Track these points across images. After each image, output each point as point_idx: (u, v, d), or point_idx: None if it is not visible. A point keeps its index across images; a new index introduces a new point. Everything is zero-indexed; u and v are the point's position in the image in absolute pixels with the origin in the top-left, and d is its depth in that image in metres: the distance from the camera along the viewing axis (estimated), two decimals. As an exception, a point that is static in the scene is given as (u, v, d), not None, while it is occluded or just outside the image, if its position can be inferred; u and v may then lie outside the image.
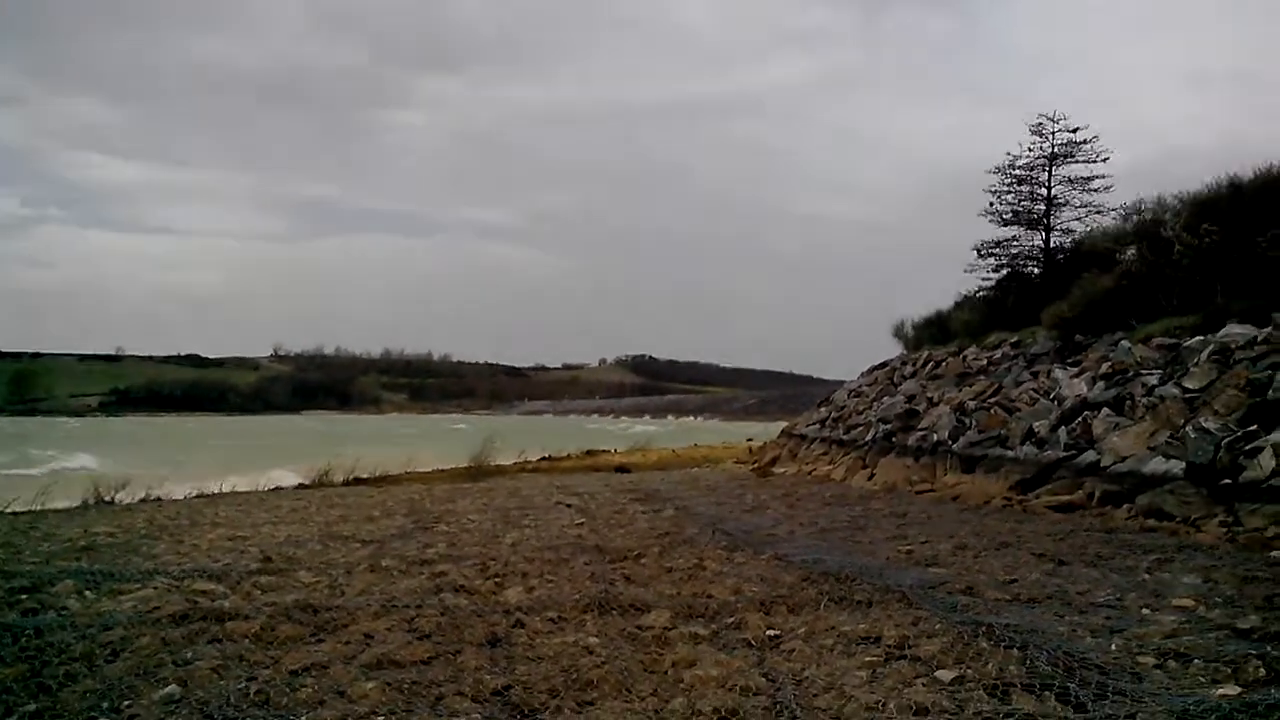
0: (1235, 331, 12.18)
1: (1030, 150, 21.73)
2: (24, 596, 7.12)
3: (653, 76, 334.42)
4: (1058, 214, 21.75)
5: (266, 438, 60.62)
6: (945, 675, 4.68)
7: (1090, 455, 12.17)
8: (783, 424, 31.76)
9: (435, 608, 6.51)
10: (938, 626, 5.66)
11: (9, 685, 4.84)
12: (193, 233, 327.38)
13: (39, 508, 15.05)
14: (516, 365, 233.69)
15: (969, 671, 4.71)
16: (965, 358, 19.90)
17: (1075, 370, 14.84)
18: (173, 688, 4.72)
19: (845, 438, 21.07)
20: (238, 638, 5.70)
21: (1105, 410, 12.78)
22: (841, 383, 30.11)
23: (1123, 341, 14.21)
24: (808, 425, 25.91)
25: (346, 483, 21.06)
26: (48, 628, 5.99)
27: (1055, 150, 21.52)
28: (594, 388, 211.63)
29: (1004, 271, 22.54)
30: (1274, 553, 7.95)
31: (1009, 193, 22.12)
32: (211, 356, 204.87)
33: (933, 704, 4.26)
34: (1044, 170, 21.73)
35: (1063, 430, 13.18)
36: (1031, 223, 22.01)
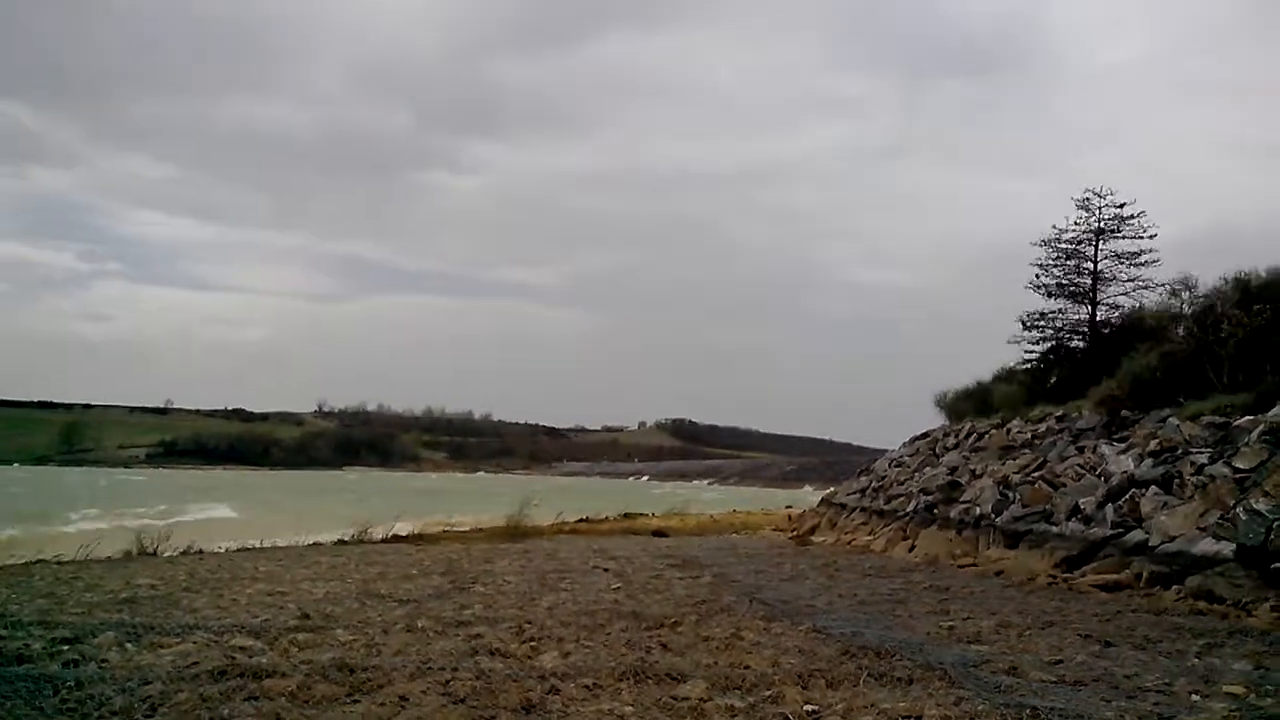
0: (1287, 411, 11.96)
1: (1076, 224, 21.69)
2: (65, 647, 7.21)
3: (690, 139, 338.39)
4: (1104, 288, 21.62)
5: (350, 492, 63.38)
6: (988, 758, 4.59)
7: (1138, 534, 11.93)
8: (822, 491, 31.48)
9: (471, 671, 6.49)
10: (980, 708, 5.55)
11: (49, 737, 4.89)
12: (241, 289, 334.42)
13: (83, 558, 15.22)
14: (556, 426, 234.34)
15: (1012, 755, 4.60)
16: (1009, 430, 19.66)
17: (1122, 446, 14.61)
18: (209, 744, 4.75)
19: (886, 508, 20.82)
20: (274, 695, 5.71)
21: (1153, 488, 12.55)
22: (881, 451, 29.84)
23: (1171, 419, 13.99)
24: (848, 494, 25.66)
25: (385, 540, 21.10)
26: (88, 680, 6.06)
27: (1102, 225, 21.46)
28: (633, 450, 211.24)
29: (1049, 344, 22.37)
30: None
31: (1055, 265, 22.04)
32: (257, 411, 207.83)
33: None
34: (1090, 244, 21.65)
35: (1109, 508, 12.94)
36: (1077, 296, 21.87)
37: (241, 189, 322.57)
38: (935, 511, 17.92)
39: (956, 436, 22.39)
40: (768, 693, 6.02)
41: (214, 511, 39.31)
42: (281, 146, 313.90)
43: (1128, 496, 12.87)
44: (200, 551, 17.41)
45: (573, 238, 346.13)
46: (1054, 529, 13.73)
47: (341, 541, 20.55)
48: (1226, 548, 10.24)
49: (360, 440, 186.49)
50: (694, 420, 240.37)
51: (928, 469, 21.20)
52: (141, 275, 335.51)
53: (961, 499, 17.50)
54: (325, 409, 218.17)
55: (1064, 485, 14.78)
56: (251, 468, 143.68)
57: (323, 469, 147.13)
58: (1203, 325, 15.63)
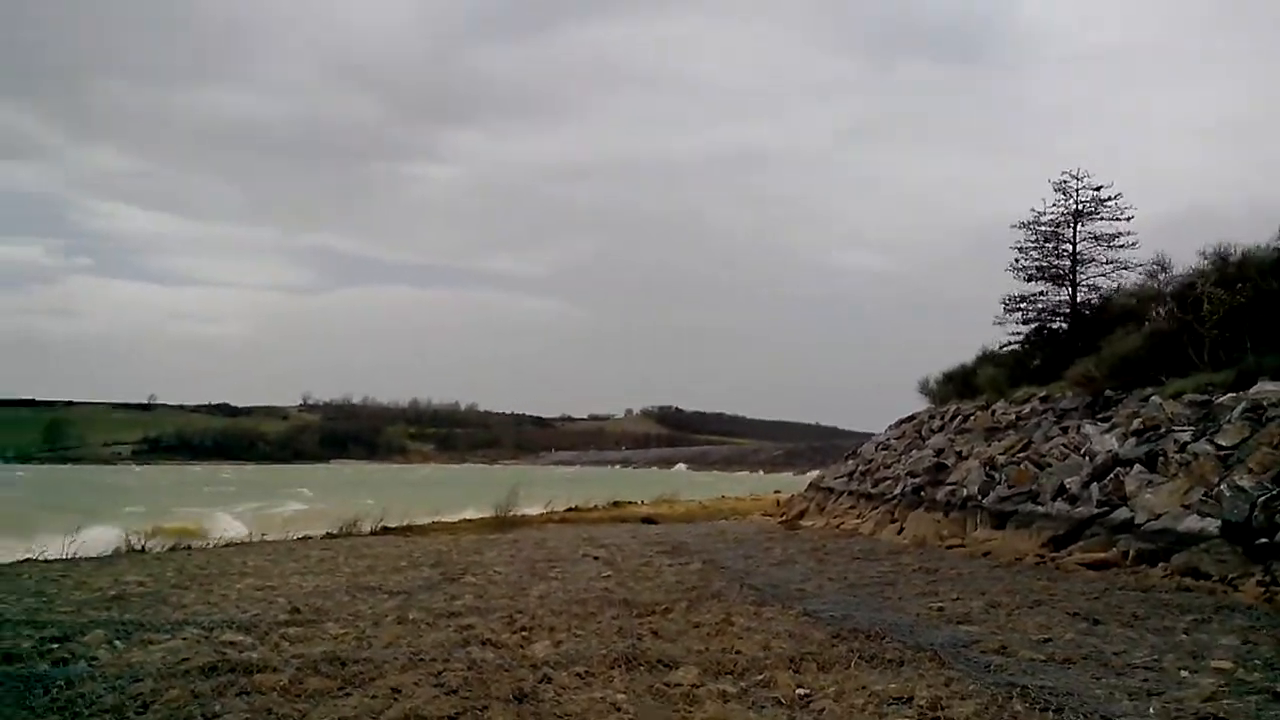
0: (1268, 389, 12.04)
1: (1054, 207, 21.76)
2: (55, 646, 7.18)
3: (668, 126, 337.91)
4: (1083, 270, 21.71)
5: (371, 484, 64.91)
6: (979, 738, 4.62)
7: (1124, 512, 12.02)
8: (809, 475, 31.52)
9: (462, 661, 6.50)
10: (971, 687, 5.59)
11: (41, 736, 4.87)
12: (219, 283, 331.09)
13: (70, 556, 15.14)
14: (543, 416, 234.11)
15: (1003, 734, 4.64)
16: (994, 412, 19.75)
17: (1106, 426, 14.70)
18: (202, 740, 4.74)
19: (873, 491, 20.91)
20: (266, 690, 5.71)
21: (1138, 467, 12.64)
22: (868, 435, 29.91)
23: (1154, 397, 14.08)
24: (835, 478, 25.74)
25: (374, 532, 21.07)
26: (78, 678, 6.04)
27: (1080, 207, 21.54)
28: (620, 438, 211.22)
29: (1032, 326, 22.48)
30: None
31: (1034, 249, 22.13)
32: (241, 405, 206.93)
33: (967, 767, 4.20)
34: (1069, 226, 21.73)
35: (1095, 487, 13.03)
36: (1057, 279, 21.98)
37: (214, 181, 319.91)
38: (922, 494, 18.01)
39: (942, 419, 22.48)
40: (759, 677, 6.05)
41: (298, 504, 39.93)
42: (254, 138, 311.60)
43: (1112, 475, 12.95)
44: (189, 548, 17.34)
45: (554, 226, 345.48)
46: (1040, 509, 13.82)
47: (330, 535, 20.51)
48: (1212, 524, 10.33)
49: (346, 433, 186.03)
50: (680, 407, 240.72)
51: (914, 451, 21.29)
52: (113, 270, 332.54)
53: (948, 481, 17.59)
54: (310, 402, 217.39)
55: (1049, 465, 14.87)
56: (238, 463, 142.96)
57: (310, 463, 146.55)
58: (1183, 304, 15.72)
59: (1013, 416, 18.66)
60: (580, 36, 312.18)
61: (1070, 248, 21.76)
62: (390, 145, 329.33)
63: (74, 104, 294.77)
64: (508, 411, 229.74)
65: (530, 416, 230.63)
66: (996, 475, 15.97)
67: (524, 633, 7.70)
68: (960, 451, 18.79)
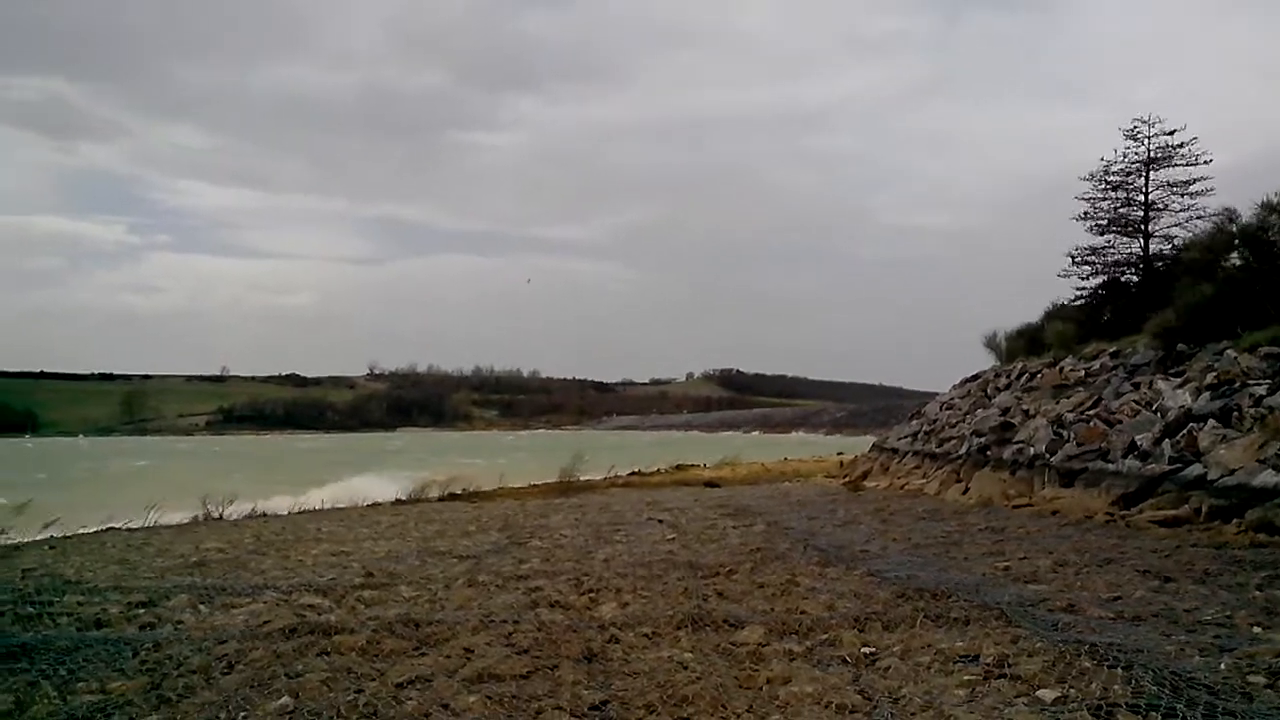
0: (1350, 338, 11.70)
1: (1125, 155, 21.17)
2: (141, 610, 7.47)
3: (726, 86, 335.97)
4: (1157, 220, 21.14)
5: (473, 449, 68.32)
6: (1047, 695, 4.61)
7: (1196, 468, 11.79)
8: (872, 437, 31.33)
9: (532, 623, 6.63)
10: (1038, 645, 5.57)
11: (131, 698, 5.09)
12: (289, 256, 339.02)
13: (150, 525, 15.67)
14: (604, 381, 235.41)
15: (1071, 691, 4.63)
16: (1062, 369, 19.42)
17: (1179, 381, 14.39)
18: (286, 699, 4.92)
19: (938, 451, 20.73)
20: (345, 651, 5.89)
21: (1211, 422, 12.37)
22: (932, 395, 29.62)
23: (1228, 351, 13.74)
24: (899, 438, 25.55)
25: (442, 498, 21.47)
26: (165, 641, 6.28)
27: (1152, 154, 20.93)
28: (682, 402, 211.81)
29: (1101, 279, 21.97)
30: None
31: (1104, 199, 21.58)
32: (310, 376, 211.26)
33: (1034, 724, 4.21)
34: (1140, 175, 21.14)
35: (1167, 443, 12.78)
36: (1129, 229, 21.41)
37: (282, 155, 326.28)
38: (988, 453, 17.81)
39: (1008, 377, 22.16)
40: (824, 636, 6.10)
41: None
42: (319, 111, 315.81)
43: (1185, 431, 12.70)
44: (264, 515, 17.84)
45: (613, 191, 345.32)
46: (1110, 466, 13.60)
47: (399, 501, 20.94)
48: (1288, 480, 10.09)
49: (412, 401, 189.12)
50: (741, 370, 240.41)
51: (979, 410, 21.02)
52: (190, 245, 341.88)
53: (1015, 439, 17.36)
54: (376, 371, 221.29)
55: (1119, 422, 14.61)
56: (308, 432, 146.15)
57: (378, 430, 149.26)
58: (1256, 252, 15.25)
59: (1082, 373, 18.33)
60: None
61: (1143, 197, 21.18)
62: (451, 114, 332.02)
63: (150, 85, 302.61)
64: (570, 377, 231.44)
65: (592, 382, 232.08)
66: (1065, 433, 15.73)
67: (591, 594, 7.82)
68: (1027, 410, 18.53)
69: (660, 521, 14.37)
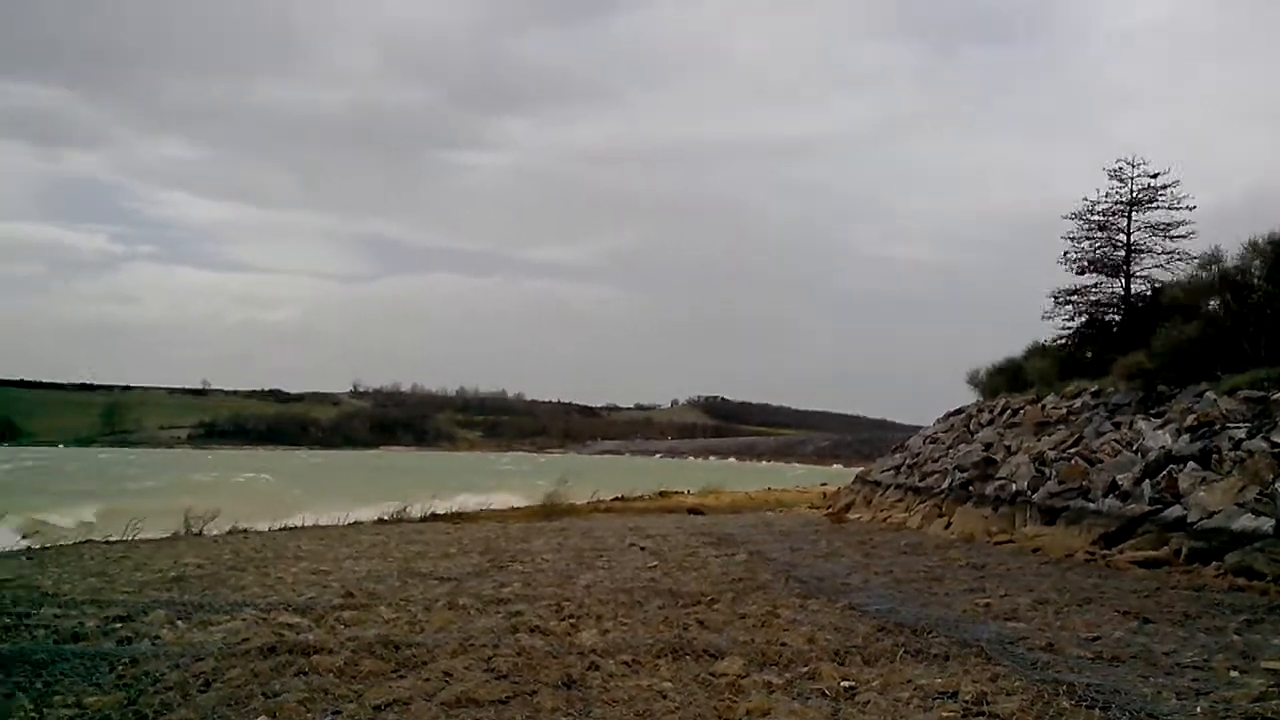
0: (1329, 385, 11.82)
1: (1109, 196, 21.36)
2: (119, 625, 7.43)
3: (715, 114, 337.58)
4: (1138, 261, 21.27)
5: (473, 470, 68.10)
6: (1024, 733, 4.64)
7: (1176, 510, 11.86)
8: (855, 468, 31.39)
9: (512, 647, 6.63)
10: (1017, 683, 5.60)
11: (108, 713, 5.06)
12: (273, 270, 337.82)
13: (130, 538, 15.55)
14: (590, 405, 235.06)
15: (1048, 730, 4.65)
16: (1044, 406, 19.52)
17: (1159, 422, 14.49)
18: (263, 719, 4.90)
19: (921, 485, 20.78)
20: (323, 671, 5.87)
21: (1191, 464, 12.46)
22: (915, 428, 29.71)
23: (1208, 393, 13.85)
24: (882, 471, 25.60)
25: (423, 519, 21.39)
26: (143, 657, 6.25)
27: (1135, 196, 21.11)
28: (666, 428, 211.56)
29: (1083, 319, 22.10)
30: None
31: (1087, 239, 21.75)
32: (292, 392, 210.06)
33: (1011, 762, 4.22)
34: (1123, 216, 21.32)
35: (1147, 484, 12.86)
36: (1111, 270, 21.57)
37: (269, 170, 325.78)
38: (971, 488, 17.87)
39: (991, 413, 22.25)
40: (804, 669, 6.11)
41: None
42: (309, 126, 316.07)
43: (1165, 472, 12.78)
44: (245, 531, 17.73)
45: (601, 214, 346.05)
46: (1091, 505, 13.67)
47: (381, 520, 20.85)
48: (1266, 523, 10.17)
49: (396, 420, 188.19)
50: (726, 398, 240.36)
51: (962, 445, 21.10)
52: (173, 257, 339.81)
53: (997, 476, 17.43)
54: (360, 389, 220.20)
55: (1100, 461, 14.69)
56: (290, 448, 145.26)
57: (360, 449, 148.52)
58: (1236, 295, 15.39)
59: (1063, 411, 18.44)
60: (627, 21, 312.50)
61: (1125, 238, 21.36)
62: (441, 133, 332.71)
63: (138, 95, 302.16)
64: (554, 400, 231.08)
65: (577, 405, 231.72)
66: (1046, 470, 15.80)
67: (571, 620, 7.81)
68: (1009, 446, 18.61)
69: (642, 548, 14.35)
